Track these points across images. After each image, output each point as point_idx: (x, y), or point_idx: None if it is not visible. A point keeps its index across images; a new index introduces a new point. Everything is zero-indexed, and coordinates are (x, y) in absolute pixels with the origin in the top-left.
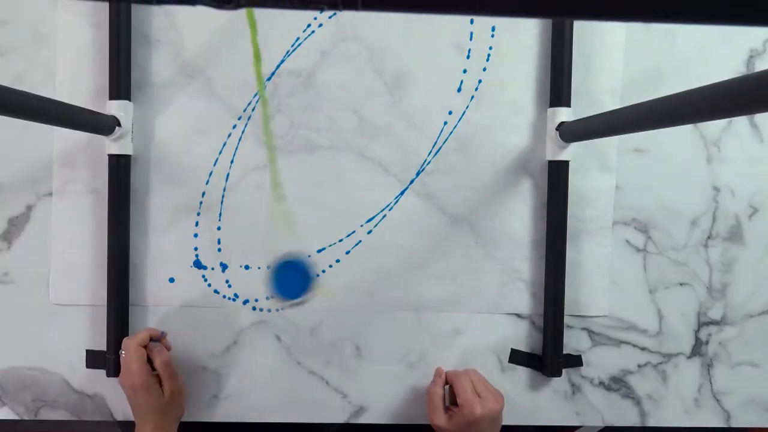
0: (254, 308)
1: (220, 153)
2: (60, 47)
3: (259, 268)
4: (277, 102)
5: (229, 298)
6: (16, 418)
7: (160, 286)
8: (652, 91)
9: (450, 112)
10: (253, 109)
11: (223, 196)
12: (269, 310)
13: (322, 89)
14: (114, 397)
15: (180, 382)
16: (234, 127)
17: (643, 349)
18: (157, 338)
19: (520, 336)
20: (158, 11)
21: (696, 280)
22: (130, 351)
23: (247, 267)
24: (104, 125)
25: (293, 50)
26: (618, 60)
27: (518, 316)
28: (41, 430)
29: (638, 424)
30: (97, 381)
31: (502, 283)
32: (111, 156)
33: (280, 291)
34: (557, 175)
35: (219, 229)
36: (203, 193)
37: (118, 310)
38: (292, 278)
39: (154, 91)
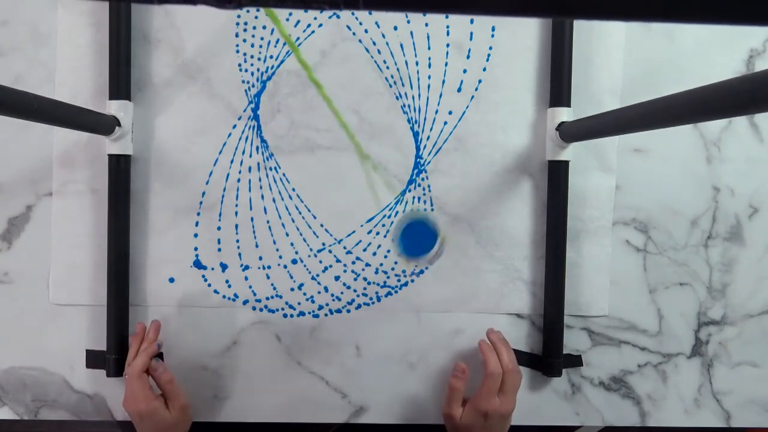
0: (254, 308)
1: (220, 153)
2: (60, 47)
3: (259, 268)
4: (277, 102)
5: (229, 298)
6: (16, 418)
7: (160, 286)
8: (652, 91)
9: (450, 112)
10: (253, 109)
11: (223, 196)
12: (270, 310)
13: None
14: (114, 397)
15: (185, 396)
16: (234, 127)
17: (643, 349)
18: (156, 353)
19: (520, 336)
20: (158, 11)
21: (696, 280)
22: (132, 379)
23: (247, 267)
24: (104, 125)
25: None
26: (618, 60)
27: (518, 316)
28: (41, 430)
29: (638, 424)
30: (97, 381)
31: (502, 283)
32: (111, 156)
33: (408, 251)
34: (557, 175)
35: (219, 229)
36: (203, 193)
37: (118, 310)
38: (417, 237)
39: (154, 91)
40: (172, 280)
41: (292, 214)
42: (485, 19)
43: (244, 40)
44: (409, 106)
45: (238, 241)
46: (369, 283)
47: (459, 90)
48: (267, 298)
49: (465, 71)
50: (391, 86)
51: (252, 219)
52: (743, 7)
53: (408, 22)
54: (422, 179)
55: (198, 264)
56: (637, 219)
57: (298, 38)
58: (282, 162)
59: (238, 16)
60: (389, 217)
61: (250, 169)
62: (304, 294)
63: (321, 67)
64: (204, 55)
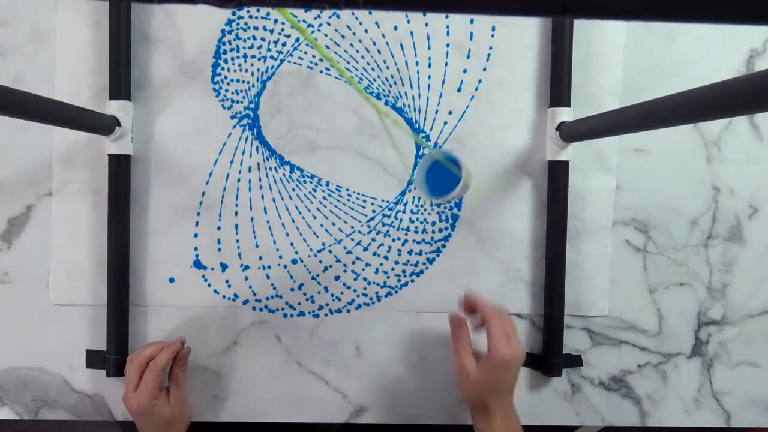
0: (254, 308)
1: (220, 153)
2: (60, 47)
3: (259, 268)
4: (277, 102)
5: (229, 298)
6: (16, 418)
7: (160, 286)
8: (652, 91)
9: (450, 112)
10: (253, 109)
11: (223, 196)
12: (270, 310)
13: (322, 89)
14: (114, 397)
15: (185, 390)
16: (234, 127)
17: (643, 349)
18: (179, 351)
19: (520, 336)
20: (158, 11)
21: (696, 280)
22: (152, 371)
23: (247, 267)
24: (104, 125)
25: (293, 50)
26: (618, 60)
27: (518, 316)
28: (41, 430)
29: (638, 424)
30: (97, 381)
31: (502, 283)
32: (111, 156)
33: (432, 190)
34: (557, 175)
35: (219, 229)
36: (203, 193)
37: (118, 310)
38: (442, 176)
39: (154, 91)
40: (172, 280)
41: (292, 214)
42: (485, 19)
43: (244, 40)
44: (409, 106)
45: (238, 241)
46: (369, 283)
47: (459, 90)
48: (267, 298)
49: (465, 71)
50: (391, 86)
51: (252, 219)
52: (743, 7)
53: (408, 22)
54: None
55: (198, 264)
56: (637, 219)
57: (298, 38)
58: (283, 160)
59: (240, 17)
60: (389, 216)
61: (250, 169)
62: (304, 294)
63: (321, 67)
64: (204, 55)
